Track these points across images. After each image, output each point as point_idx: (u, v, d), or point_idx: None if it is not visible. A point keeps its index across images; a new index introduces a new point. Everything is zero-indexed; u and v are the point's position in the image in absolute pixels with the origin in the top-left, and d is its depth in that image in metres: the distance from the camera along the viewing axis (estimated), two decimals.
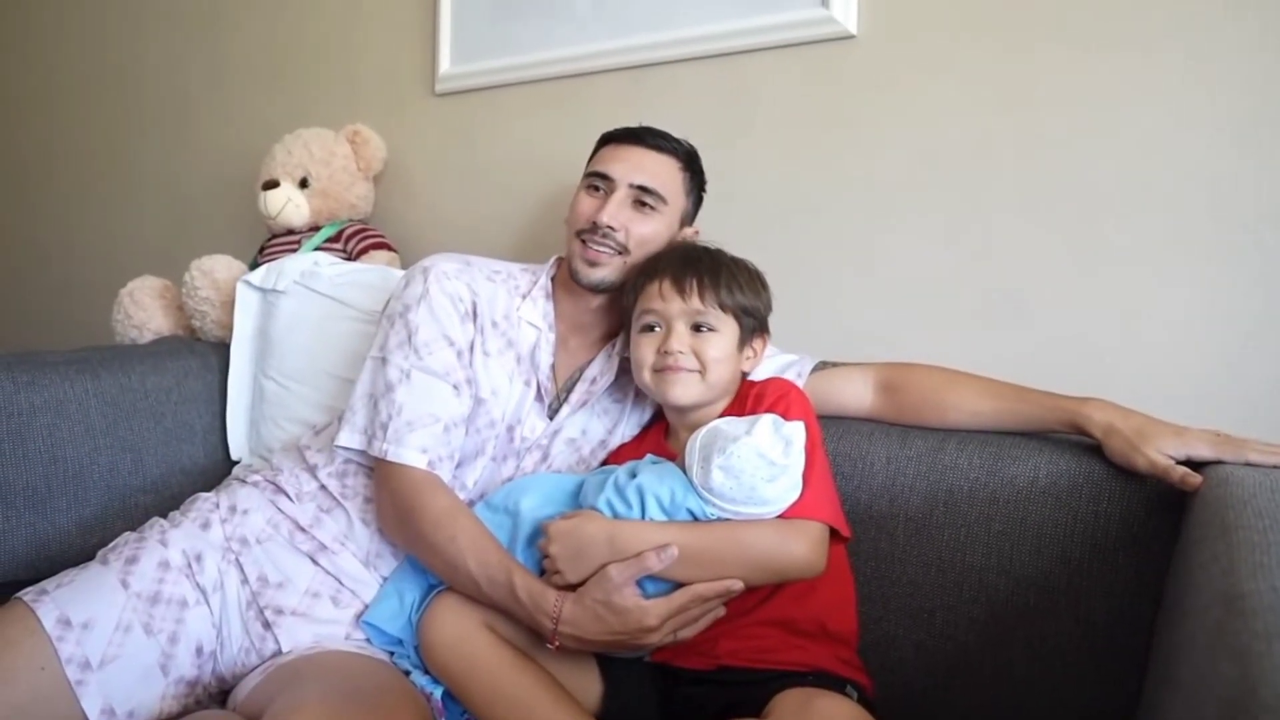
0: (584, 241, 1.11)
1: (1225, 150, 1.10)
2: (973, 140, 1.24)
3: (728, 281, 1.03)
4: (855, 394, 1.14)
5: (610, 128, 1.21)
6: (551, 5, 1.57)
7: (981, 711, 1.01)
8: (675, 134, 1.18)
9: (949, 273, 1.27)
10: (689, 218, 1.20)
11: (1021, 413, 1.04)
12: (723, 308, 1.02)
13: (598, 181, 1.14)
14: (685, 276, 1.02)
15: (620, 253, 1.11)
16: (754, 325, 1.06)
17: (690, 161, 1.19)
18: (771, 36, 1.36)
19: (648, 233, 1.12)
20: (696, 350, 1.01)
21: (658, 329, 1.04)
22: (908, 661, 1.04)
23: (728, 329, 1.03)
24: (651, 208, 1.12)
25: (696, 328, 1.02)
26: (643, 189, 1.12)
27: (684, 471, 0.94)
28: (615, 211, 1.10)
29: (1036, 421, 1.03)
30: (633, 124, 1.19)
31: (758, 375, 1.15)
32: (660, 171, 1.14)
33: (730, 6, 1.40)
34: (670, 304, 1.02)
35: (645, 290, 1.05)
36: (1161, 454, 0.91)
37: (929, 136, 1.27)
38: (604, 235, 1.10)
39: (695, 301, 1.01)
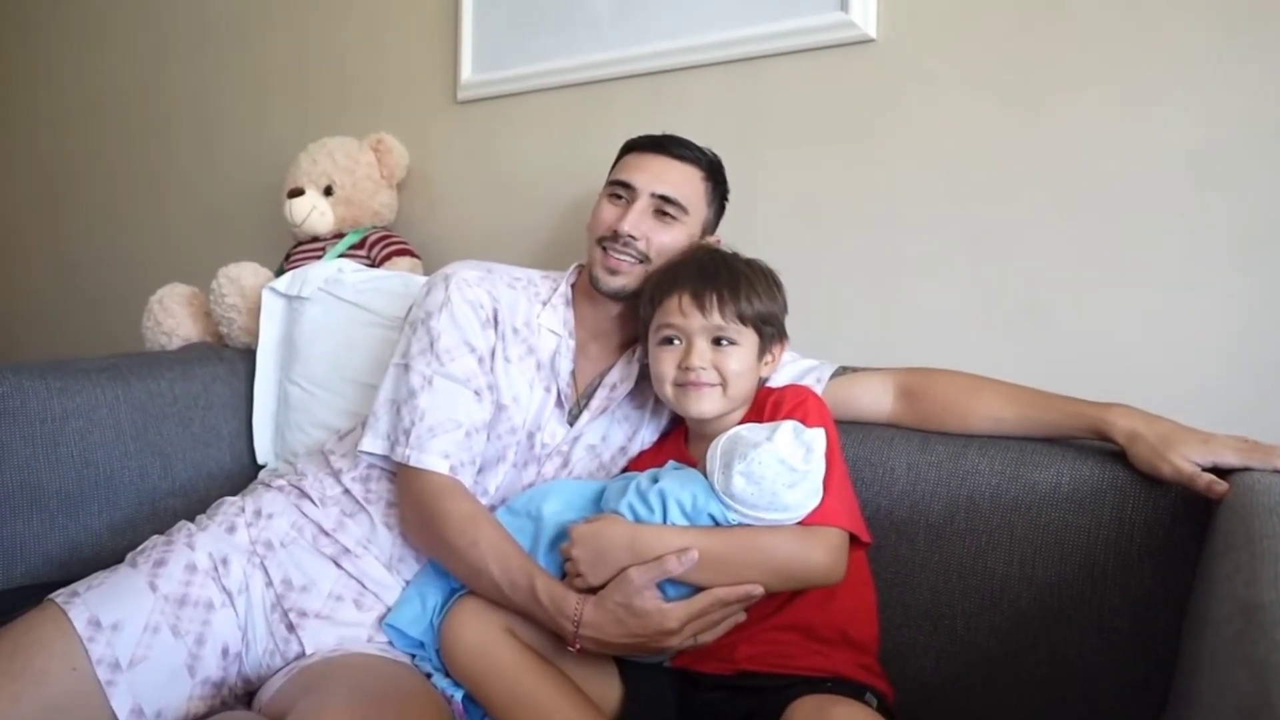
0: (605, 249, 1.12)
1: (1248, 155, 1.08)
2: (994, 146, 1.23)
3: (747, 292, 1.02)
4: (875, 400, 1.14)
5: (630, 134, 1.21)
6: (571, 13, 1.58)
7: None
8: (697, 141, 1.18)
9: (970, 279, 1.26)
10: (710, 227, 1.20)
11: (1044, 419, 1.03)
12: (742, 320, 1.02)
13: (620, 190, 1.14)
14: (705, 291, 1.01)
15: (641, 261, 1.11)
16: (773, 333, 1.06)
17: (713, 171, 1.19)
18: (790, 41, 1.36)
19: (668, 242, 1.12)
20: (717, 365, 1.01)
21: (677, 343, 1.03)
22: (929, 669, 1.04)
23: (748, 340, 1.03)
24: (673, 217, 1.13)
25: (716, 341, 1.02)
26: (664, 199, 1.12)
27: (705, 477, 0.95)
28: (637, 221, 1.11)
29: (1059, 428, 1.02)
30: (652, 131, 1.19)
31: (778, 381, 1.16)
32: (682, 181, 1.14)
33: (749, 12, 1.40)
34: (690, 319, 1.01)
35: (664, 304, 1.04)
36: (1187, 461, 0.89)
37: (949, 141, 1.26)
38: (625, 244, 1.10)
39: (715, 317, 1.01)
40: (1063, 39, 1.18)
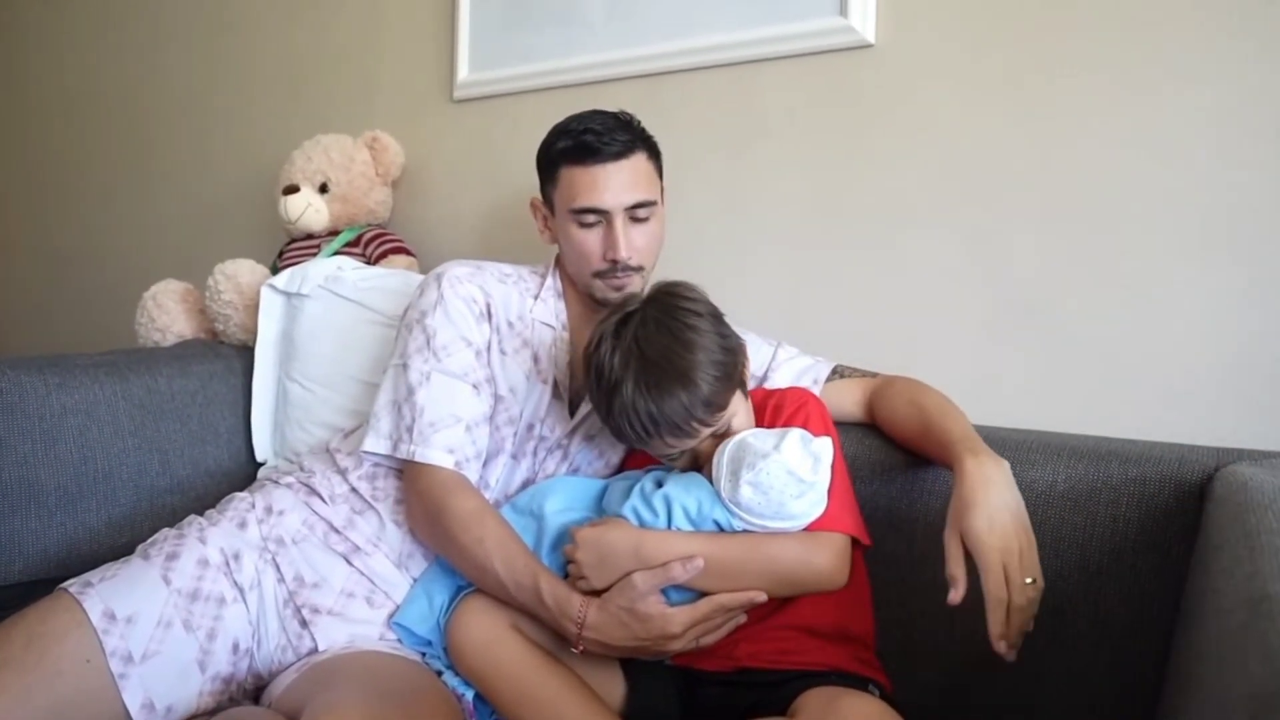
0: (604, 277, 1.11)
1: (1243, 157, 1.10)
2: (991, 150, 1.25)
3: (702, 379, 0.91)
4: (854, 406, 1.15)
5: None
6: (568, 14, 1.58)
7: (1000, 715, 1.02)
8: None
9: (967, 282, 1.27)
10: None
11: (929, 451, 1.02)
12: (719, 408, 0.94)
13: (588, 217, 1.10)
14: (678, 426, 0.92)
15: (639, 270, 1.12)
16: (739, 369, 0.98)
17: (644, 142, 1.14)
18: (788, 45, 1.37)
19: (654, 241, 1.13)
20: (731, 438, 0.96)
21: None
22: (927, 665, 1.06)
23: (731, 407, 0.96)
24: (648, 213, 1.11)
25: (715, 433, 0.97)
26: (637, 205, 1.09)
27: (710, 482, 0.95)
28: (627, 243, 1.09)
29: (937, 459, 1.01)
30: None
31: (778, 378, 1.18)
32: (642, 177, 1.11)
33: (747, 15, 1.40)
34: (685, 446, 0.96)
35: (652, 445, 0.96)
36: (957, 555, 0.87)
37: (947, 146, 1.28)
38: (624, 269, 1.10)
39: (702, 431, 0.94)
40: (1061, 45, 1.20)
